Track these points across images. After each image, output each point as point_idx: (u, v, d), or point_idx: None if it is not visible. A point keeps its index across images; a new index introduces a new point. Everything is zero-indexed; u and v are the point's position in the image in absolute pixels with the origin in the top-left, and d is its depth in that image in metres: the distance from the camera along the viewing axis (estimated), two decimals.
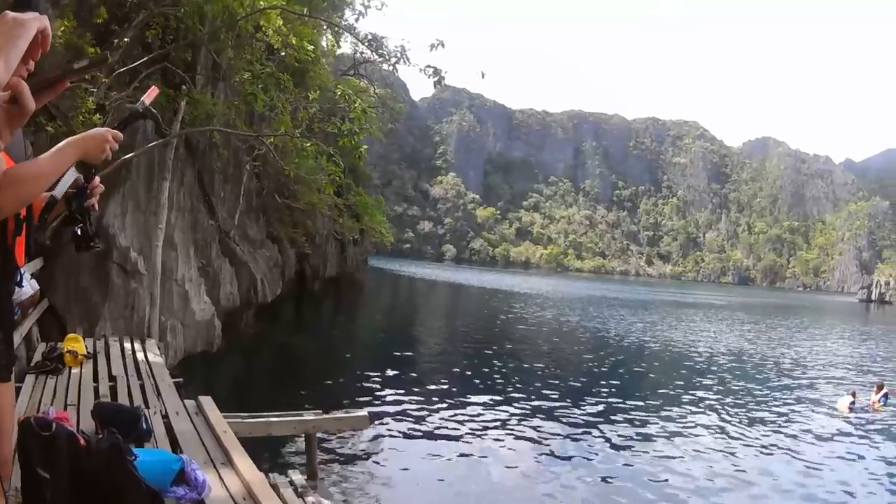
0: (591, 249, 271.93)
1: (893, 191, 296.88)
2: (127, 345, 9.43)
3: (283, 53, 19.14)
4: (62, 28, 7.59)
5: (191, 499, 4.34)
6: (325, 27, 22.64)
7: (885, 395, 17.13)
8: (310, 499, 5.80)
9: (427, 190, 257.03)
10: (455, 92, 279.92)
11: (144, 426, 5.42)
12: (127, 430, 5.02)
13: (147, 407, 6.31)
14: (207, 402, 6.57)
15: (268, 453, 7.91)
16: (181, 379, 8.06)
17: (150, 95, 2.32)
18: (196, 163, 15.15)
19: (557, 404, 14.11)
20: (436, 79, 17.46)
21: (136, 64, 10.67)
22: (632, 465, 10.41)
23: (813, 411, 16.04)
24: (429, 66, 16.99)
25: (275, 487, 5.58)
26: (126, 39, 9.99)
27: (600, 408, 14.21)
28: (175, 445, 5.49)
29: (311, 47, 20.71)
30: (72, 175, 2.04)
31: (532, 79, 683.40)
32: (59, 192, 2.06)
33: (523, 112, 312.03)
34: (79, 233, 2.13)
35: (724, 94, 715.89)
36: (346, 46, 37.33)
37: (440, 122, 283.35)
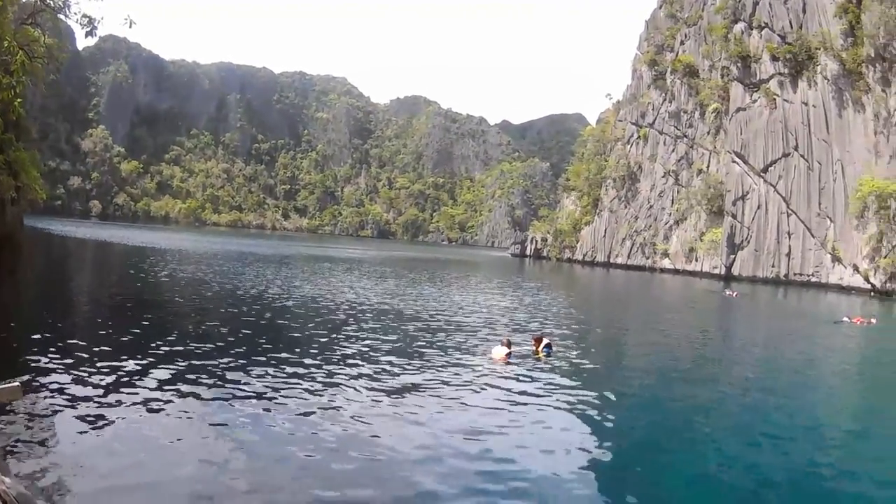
0: (228, 203, 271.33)
1: (554, 153, 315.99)
2: None
3: None
4: None
5: None
6: None
7: (549, 346, 17.11)
8: None
9: (78, 143, 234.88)
10: (116, 41, 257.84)
11: None
12: None
13: None
14: None
15: None
16: None
17: None
18: None
19: (194, 359, 13.95)
20: (88, 29, 16.36)
21: None
22: (266, 423, 10.11)
23: (468, 362, 15.80)
24: (85, 16, 15.77)
25: None
26: None
27: (240, 366, 13.67)
28: None
29: None
30: None
31: (189, 29, 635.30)
32: None
33: (175, 63, 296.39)
34: None
35: (380, 54, 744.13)
36: None
37: (98, 73, 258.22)
